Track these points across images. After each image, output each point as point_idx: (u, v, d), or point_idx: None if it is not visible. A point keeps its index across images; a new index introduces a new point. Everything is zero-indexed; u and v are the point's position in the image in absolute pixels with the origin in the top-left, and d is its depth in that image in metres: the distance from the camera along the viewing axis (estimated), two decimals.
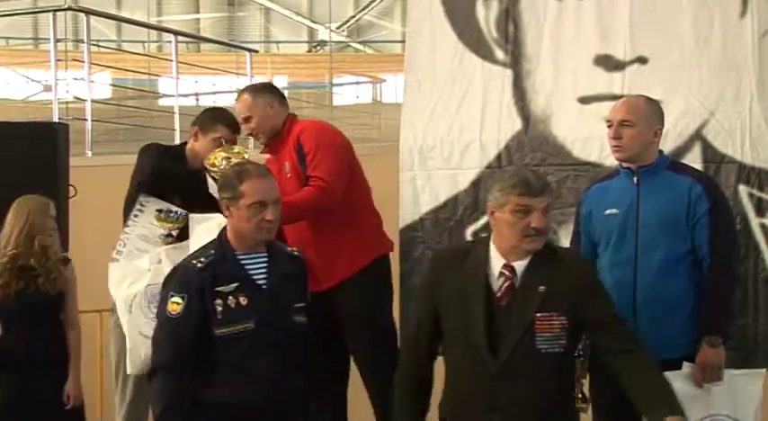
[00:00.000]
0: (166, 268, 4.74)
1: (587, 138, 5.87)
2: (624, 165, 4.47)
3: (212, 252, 3.74)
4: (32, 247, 4.82)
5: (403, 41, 8.19)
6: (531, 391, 3.48)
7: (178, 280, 3.73)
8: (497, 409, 3.51)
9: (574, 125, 6.07)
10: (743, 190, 5.49)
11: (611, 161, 5.94)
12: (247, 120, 4.92)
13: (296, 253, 3.95)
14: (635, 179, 4.31)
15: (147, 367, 4.72)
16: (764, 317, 5.41)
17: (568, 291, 3.52)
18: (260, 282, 3.73)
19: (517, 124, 6.24)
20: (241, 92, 5.05)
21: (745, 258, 5.40)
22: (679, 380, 4.04)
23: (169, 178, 4.92)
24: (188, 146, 5.06)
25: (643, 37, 5.91)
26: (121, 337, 4.94)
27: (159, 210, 4.79)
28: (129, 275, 4.83)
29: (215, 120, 5.05)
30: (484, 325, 3.53)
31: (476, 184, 6.29)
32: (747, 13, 5.63)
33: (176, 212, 4.78)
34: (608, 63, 6.01)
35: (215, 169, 4.65)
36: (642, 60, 5.92)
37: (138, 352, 4.75)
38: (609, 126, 4.45)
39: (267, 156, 4.88)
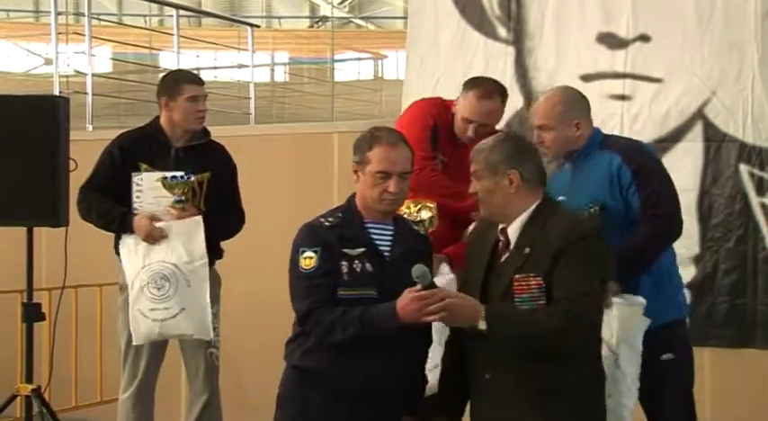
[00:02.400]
0: (177, 244, 4.78)
1: None
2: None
3: (340, 215, 3.63)
4: None
5: (405, 18, 8.18)
6: (513, 352, 3.40)
7: (307, 236, 3.59)
8: (487, 368, 3.47)
9: None
10: (744, 169, 5.50)
11: None
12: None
13: (422, 232, 3.86)
14: (571, 164, 4.28)
15: (148, 339, 4.80)
16: (764, 296, 5.44)
17: (548, 251, 3.39)
18: (385, 252, 3.63)
19: (519, 102, 6.26)
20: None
21: (744, 237, 5.43)
22: None
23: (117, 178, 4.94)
24: (162, 120, 5.04)
25: (645, 15, 5.92)
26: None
27: (164, 178, 4.77)
28: (140, 244, 4.84)
29: (178, 81, 5.01)
30: (480, 286, 3.51)
31: None
32: None
33: (181, 176, 4.76)
34: (610, 41, 6.02)
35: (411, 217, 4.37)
36: (644, 38, 5.92)
37: (138, 325, 4.78)
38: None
39: None
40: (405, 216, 4.11)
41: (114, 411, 5.20)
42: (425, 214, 4.32)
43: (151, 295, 4.78)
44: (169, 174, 4.76)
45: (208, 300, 4.79)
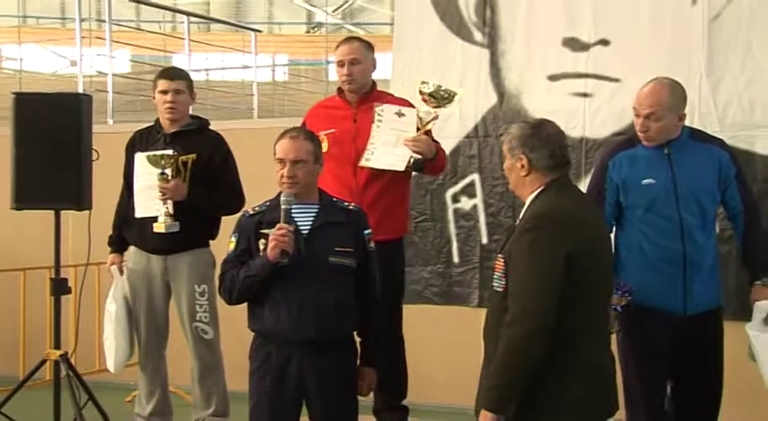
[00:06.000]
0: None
1: (554, 111, 5.84)
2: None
3: (268, 203, 3.83)
4: None
5: (391, 24, 8.13)
6: (488, 327, 3.31)
7: (236, 224, 3.86)
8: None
9: (543, 100, 6.09)
10: None
11: (575, 133, 5.97)
12: (354, 62, 4.62)
13: (352, 207, 3.89)
14: (665, 151, 4.13)
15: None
16: (734, 270, 5.38)
17: (513, 234, 3.26)
18: (304, 228, 3.73)
19: (492, 99, 6.25)
20: (353, 39, 4.79)
21: None
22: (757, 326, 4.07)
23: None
24: None
25: (605, 22, 5.92)
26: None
27: (148, 155, 4.77)
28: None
29: (156, 77, 5.09)
30: None
31: (455, 152, 6.30)
32: (698, 0, 5.64)
33: (161, 154, 4.75)
34: (574, 45, 6.01)
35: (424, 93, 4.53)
36: (604, 42, 5.93)
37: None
38: (636, 115, 4.17)
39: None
40: (432, 90, 4.48)
41: (131, 374, 5.20)
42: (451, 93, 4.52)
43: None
44: (152, 153, 4.78)
45: (111, 336, 5.00)
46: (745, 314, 4.18)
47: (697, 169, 4.10)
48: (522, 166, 3.30)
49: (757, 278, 4.15)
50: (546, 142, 3.30)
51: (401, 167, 4.48)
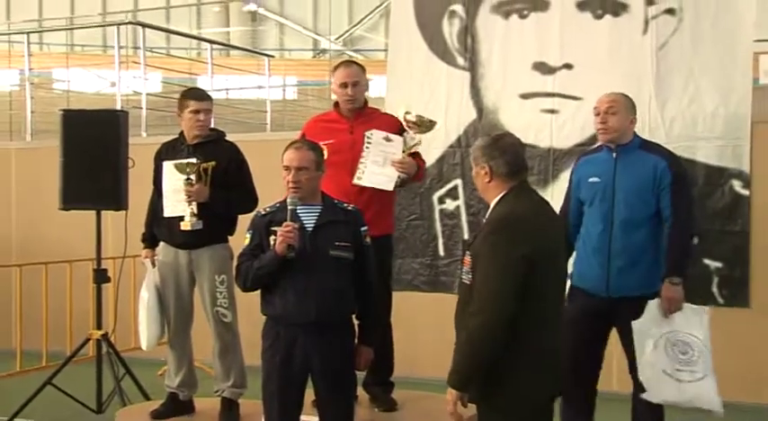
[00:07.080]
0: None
1: (526, 125, 5.91)
2: (607, 144, 4.27)
3: (278, 204, 3.80)
4: None
5: (386, 50, 8.14)
6: (457, 313, 3.27)
7: (250, 223, 3.85)
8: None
9: (516, 115, 6.10)
10: None
11: (544, 144, 5.98)
12: (356, 84, 4.57)
13: (350, 207, 3.86)
14: (613, 155, 4.20)
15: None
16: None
17: (479, 234, 3.20)
18: (308, 225, 3.72)
19: (473, 114, 6.26)
20: (351, 63, 4.72)
21: None
22: (650, 313, 4.10)
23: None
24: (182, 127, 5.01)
25: (569, 49, 5.94)
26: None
27: (175, 163, 4.72)
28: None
29: (185, 97, 4.89)
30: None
31: (440, 160, 6.31)
32: (648, 31, 5.65)
33: (186, 162, 4.71)
34: (543, 68, 6.02)
35: (409, 121, 4.46)
36: (569, 67, 5.94)
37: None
38: (597, 114, 4.24)
39: None
40: (413, 118, 4.39)
41: (162, 351, 5.19)
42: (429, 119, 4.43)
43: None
44: (178, 161, 4.71)
45: (144, 320, 4.87)
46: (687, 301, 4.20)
47: (635, 173, 4.13)
48: (486, 173, 3.24)
49: (667, 276, 4.10)
50: (503, 152, 3.23)
51: (390, 187, 4.46)
